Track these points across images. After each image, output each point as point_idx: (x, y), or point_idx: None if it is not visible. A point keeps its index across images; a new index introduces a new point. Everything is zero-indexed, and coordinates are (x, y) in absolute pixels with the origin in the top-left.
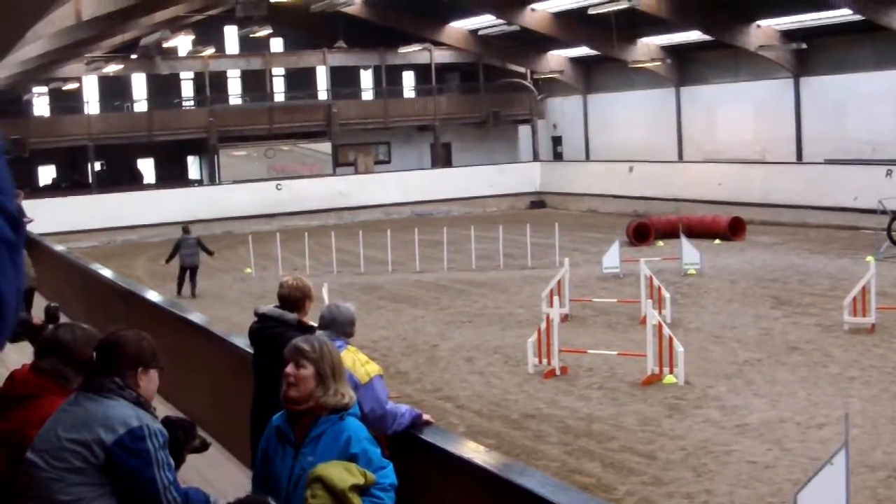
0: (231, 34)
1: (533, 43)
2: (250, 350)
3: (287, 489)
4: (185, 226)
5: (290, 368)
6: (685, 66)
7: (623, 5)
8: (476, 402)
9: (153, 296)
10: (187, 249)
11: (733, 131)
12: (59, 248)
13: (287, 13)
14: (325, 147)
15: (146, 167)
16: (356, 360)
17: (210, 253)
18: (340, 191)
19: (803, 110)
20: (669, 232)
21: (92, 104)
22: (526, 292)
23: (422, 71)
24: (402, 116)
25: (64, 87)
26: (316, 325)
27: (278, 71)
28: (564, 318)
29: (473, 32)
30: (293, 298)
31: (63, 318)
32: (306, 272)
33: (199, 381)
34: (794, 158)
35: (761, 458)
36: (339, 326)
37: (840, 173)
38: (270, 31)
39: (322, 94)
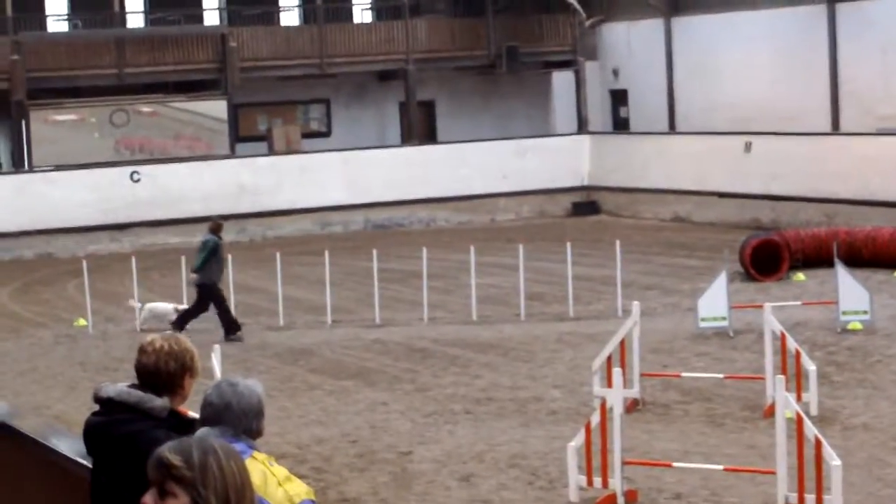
0: None
1: None
2: (86, 462)
3: None
4: (217, 221)
5: (149, 498)
6: None
7: None
8: None
9: None
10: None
11: None
12: None
13: None
14: (218, 108)
15: None
16: (269, 476)
17: (195, 270)
18: (243, 184)
19: None
20: (816, 257)
21: None
22: (565, 361)
23: None
24: (351, 56)
25: None
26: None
27: None
28: (632, 407)
29: None
30: (163, 372)
31: None
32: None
33: None
34: None
35: None
36: (236, 419)
37: None
38: None
39: (211, 17)
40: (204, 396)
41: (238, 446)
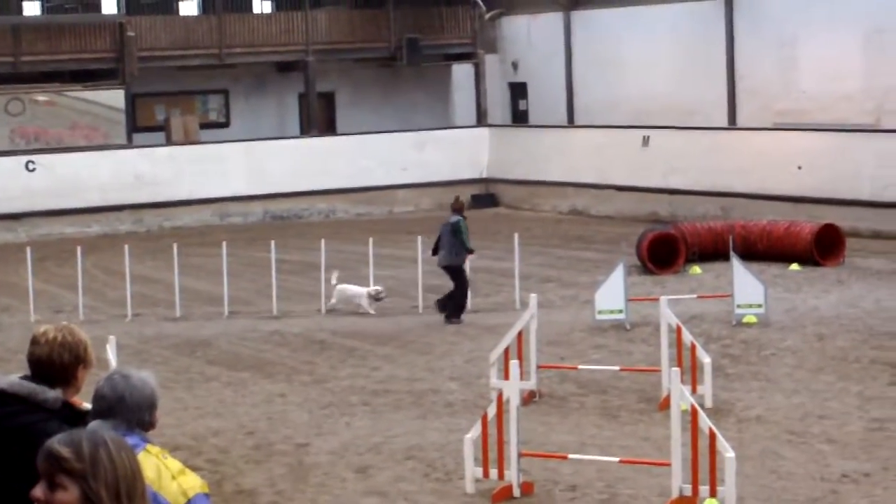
0: None
1: None
2: None
3: None
4: (460, 200)
5: (39, 490)
6: None
7: None
8: None
9: None
10: (444, 240)
11: (833, 74)
12: None
13: None
14: (115, 98)
15: None
16: (163, 470)
17: (469, 251)
18: (141, 175)
19: None
20: (712, 250)
21: None
22: (463, 353)
23: None
24: (250, 46)
25: None
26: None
27: None
28: (529, 399)
29: None
30: (56, 363)
31: None
32: (79, 317)
33: None
34: None
35: None
36: (129, 412)
37: None
38: None
39: (109, 6)
40: (96, 389)
41: (131, 439)
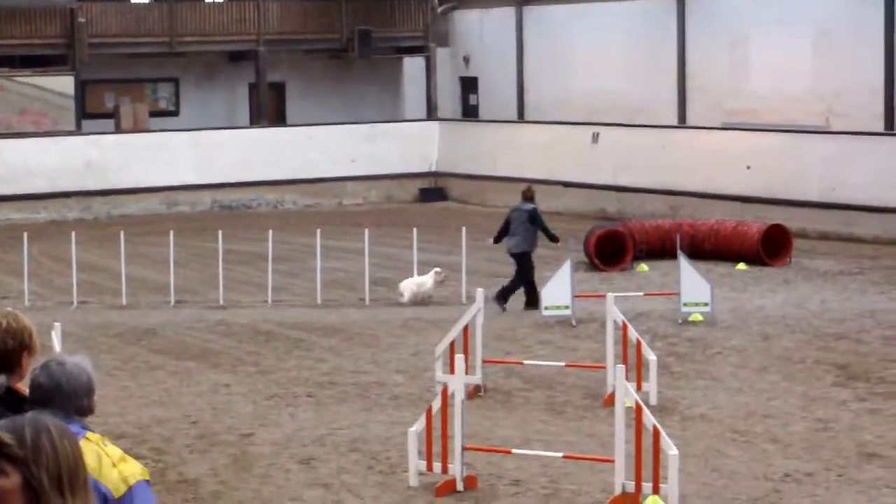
0: None
1: None
2: None
3: None
4: (530, 188)
5: None
6: None
7: None
8: None
9: None
10: (513, 226)
11: (783, 75)
12: None
13: None
14: (64, 84)
15: None
16: (103, 457)
17: (553, 238)
18: (90, 162)
19: None
20: (660, 248)
21: None
22: (409, 347)
23: None
24: (202, 35)
25: None
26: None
27: None
28: (474, 393)
29: None
30: (0, 350)
31: None
32: (24, 303)
33: None
34: (882, 125)
35: None
36: (67, 400)
37: None
38: None
39: None
40: (31, 378)
41: (71, 427)
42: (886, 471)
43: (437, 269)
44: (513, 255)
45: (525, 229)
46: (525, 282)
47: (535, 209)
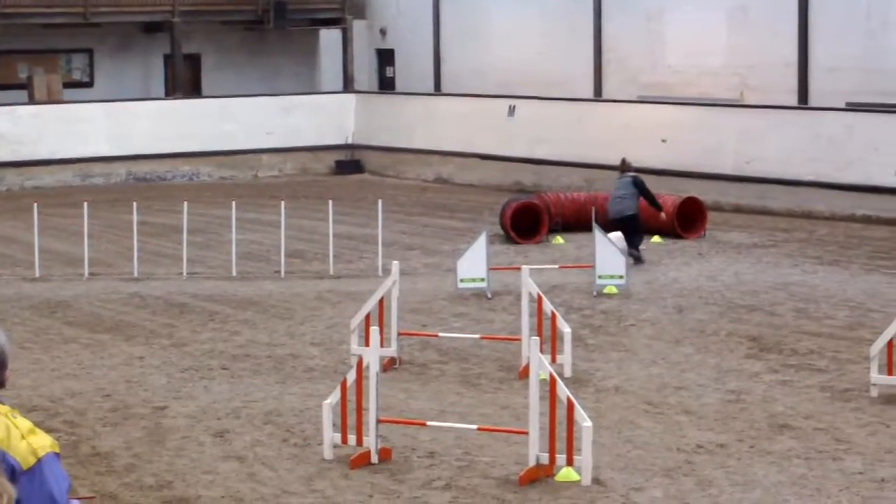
0: None
1: None
2: None
3: None
4: (624, 161)
5: None
6: None
7: None
8: None
9: None
10: (618, 193)
11: (698, 49)
12: None
13: None
14: None
15: None
16: (12, 429)
17: (656, 207)
18: (2, 133)
19: (812, 13)
20: (574, 221)
21: None
22: (324, 319)
23: None
24: (116, 6)
25: None
26: None
27: None
28: (389, 365)
29: None
30: None
31: None
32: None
33: None
34: (797, 99)
35: None
36: None
37: (880, 126)
38: None
39: None
40: None
41: None
42: (797, 442)
43: None
44: (622, 219)
45: (630, 194)
46: (636, 237)
47: (636, 178)
